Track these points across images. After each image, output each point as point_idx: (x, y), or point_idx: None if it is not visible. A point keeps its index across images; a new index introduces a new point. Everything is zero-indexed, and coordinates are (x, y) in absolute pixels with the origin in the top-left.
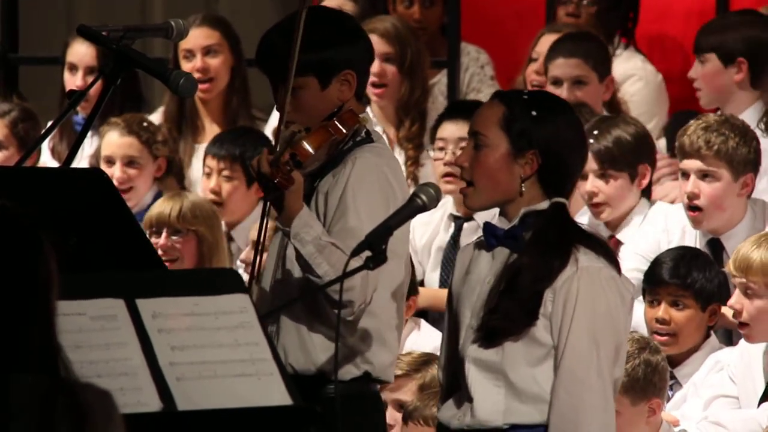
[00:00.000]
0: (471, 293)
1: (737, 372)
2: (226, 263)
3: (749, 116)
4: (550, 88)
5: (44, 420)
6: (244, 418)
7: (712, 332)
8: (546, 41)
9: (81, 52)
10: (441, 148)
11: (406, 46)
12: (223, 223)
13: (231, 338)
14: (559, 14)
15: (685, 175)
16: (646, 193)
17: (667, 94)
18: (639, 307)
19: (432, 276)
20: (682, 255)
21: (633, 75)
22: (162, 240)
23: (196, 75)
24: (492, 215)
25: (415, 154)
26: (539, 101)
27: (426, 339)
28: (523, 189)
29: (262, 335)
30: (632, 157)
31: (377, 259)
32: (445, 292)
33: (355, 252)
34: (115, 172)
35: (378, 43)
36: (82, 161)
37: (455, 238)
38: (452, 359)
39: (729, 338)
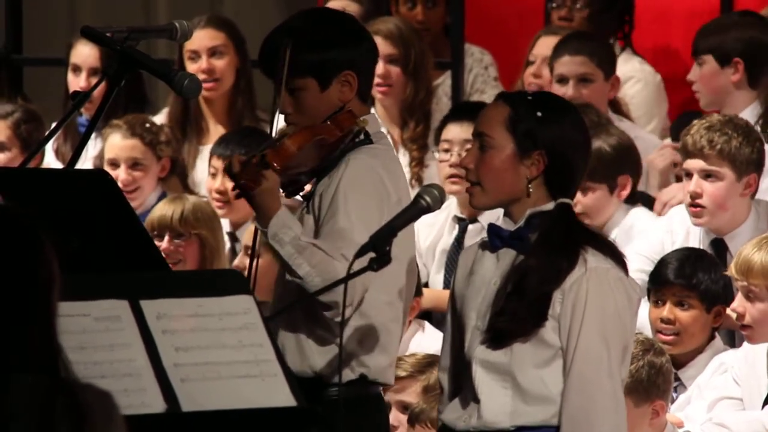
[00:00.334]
0: (476, 295)
1: (741, 374)
2: (227, 265)
3: (747, 116)
4: (556, 86)
5: (44, 420)
6: (248, 419)
7: (716, 334)
8: (543, 43)
9: (84, 53)
10: (446, 150)
11: (409, 47)
12: (228, 222)
13: (235, 339)
14: (552, 18)
15: (689, 175)
16: (632, 199)
17: (666, 94)
18: (644, 307)
19: (436, 278)
20: (688, 256)
21: (632, 77)
22: (165, 244)
23: (202, 76)
24: (497, 217)
25: (419, 155)
26: (544, 102)
27: (430, 341)
28: (531, 190)
29: (266, 336)
30: (611, 169)
31: (381, 260)
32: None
33: (360, 253)
34: (120, 175)
35: (382, 45)
36: (86, 162)
37: (459, 240)
38: (456, 360)
39: (732, 340)
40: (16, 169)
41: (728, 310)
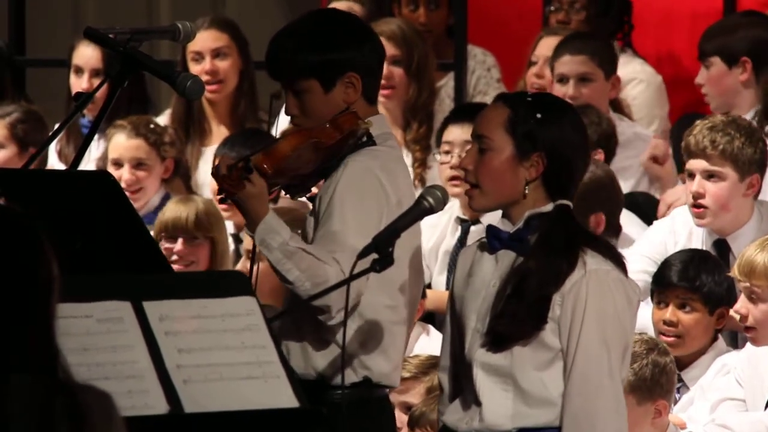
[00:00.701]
0: (476, 296)
1: (744, 375)
2: (232, 267)
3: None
4: (556, 86)
5: (43, 421)
6: (251, 421)
7: (719, 335)
8: (545, 44)
9: (86, 54)
10: (447, 152)
11: (412, 49)
12: (232, 224)
13: (238, 341)
14: (550, 22)
15: (691, 175)
16: (612, 233)
17: (667, 95)
18: (646, 308)
19: (439, 279)
20: (692, 257)
21: (634, 78)
22: (179, 246)
23: (205, 77)
24: (498, 218)
25: (422, 156)
26: (543, 103)
27: (435, 344)
28: (527, 191)
29: (269, 338)
30: (582, 207)
31: (383, 261)
32: None
33: (362, 254)
34: (124, 175)
35: (385, 46)
36: (89, 164)
37: (462, 241)
38: (456, 362)
39: (735, 341)
40: (18, 170)
41: (731, 312)
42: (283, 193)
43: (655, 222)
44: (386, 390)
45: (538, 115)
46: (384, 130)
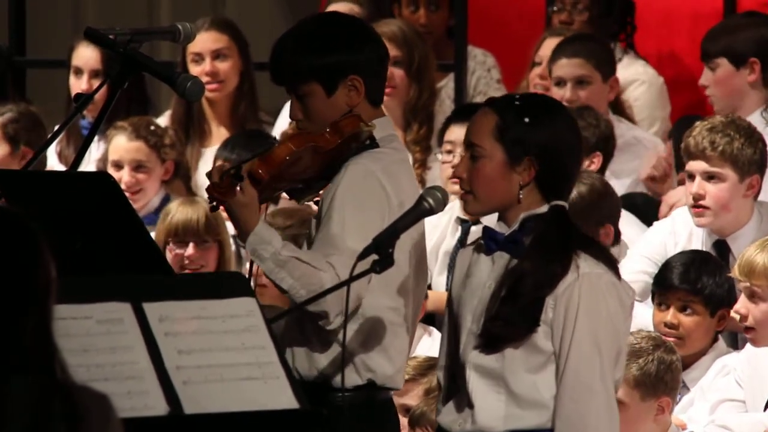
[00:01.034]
0: (472, 297)
1: (744, 376)
2: (234, 268)
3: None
4: (554, 89)
5: (40, 422)
6: (251, 422)
7: (719, 337)
8: (548, 45)
9: (86, 55)
10: (448, 151)
11: (413, 49)
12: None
13: (238, 342)
14: (553, 22)
15: (691, 176)
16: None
17: (668, 96)
18: (647, 310)
19: (439, 279)
20: (693, 259)
21: (636, 80)
22: (191, 250)
23: (205, 78)
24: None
25: (422, 157)
26: (532, 106)
27: (437, 345)
28: (521, 196)
29: (269, 339)
30: (583, 221)
31: (384, 262)
32: None
33: (362, 256)
34: (124, 177)
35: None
36: (89, 165)
37: (462, 242)
38: (452, 362)
39: (735, 342)
40: (18, 171)
41: (731, 312)
42: (287, 196)
43: (655, 223)
44: (390, 393)
45: (526, 119)
46: (388, 132)
